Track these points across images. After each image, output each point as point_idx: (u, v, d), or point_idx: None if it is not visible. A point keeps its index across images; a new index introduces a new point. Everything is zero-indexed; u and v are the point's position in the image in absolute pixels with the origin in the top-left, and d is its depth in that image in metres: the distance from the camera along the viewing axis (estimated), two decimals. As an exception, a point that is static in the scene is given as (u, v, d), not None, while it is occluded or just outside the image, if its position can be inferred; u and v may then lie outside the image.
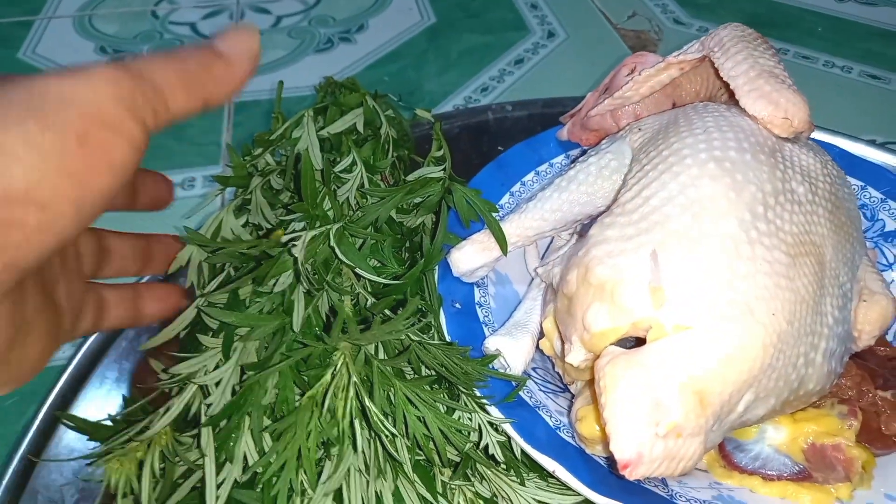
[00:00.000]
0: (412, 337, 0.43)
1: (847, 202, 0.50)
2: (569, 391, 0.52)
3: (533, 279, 0.58)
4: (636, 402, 0.36)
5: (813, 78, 0.98)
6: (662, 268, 0.40)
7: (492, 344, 0.50)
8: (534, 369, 0.54)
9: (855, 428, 0.46)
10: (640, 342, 0.41)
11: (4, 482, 0.48)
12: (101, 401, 0.54)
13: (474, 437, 0.44)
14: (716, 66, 0.50)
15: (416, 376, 0.45)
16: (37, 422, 0.51)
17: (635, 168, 0.48)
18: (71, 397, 0.53)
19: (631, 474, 0.36)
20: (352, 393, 0.42)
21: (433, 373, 0.45)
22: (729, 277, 0.39)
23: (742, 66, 0.48)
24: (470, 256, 0.54)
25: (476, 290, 0.57)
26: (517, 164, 0.67)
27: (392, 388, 0.43)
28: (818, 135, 0.71)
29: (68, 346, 0.60)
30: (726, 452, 0.49)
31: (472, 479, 0.47)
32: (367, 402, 0.41)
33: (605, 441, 0.43)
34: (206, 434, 0.42)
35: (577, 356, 0.42)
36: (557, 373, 0.53)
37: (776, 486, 0.47)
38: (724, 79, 0.49)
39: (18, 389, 0.36)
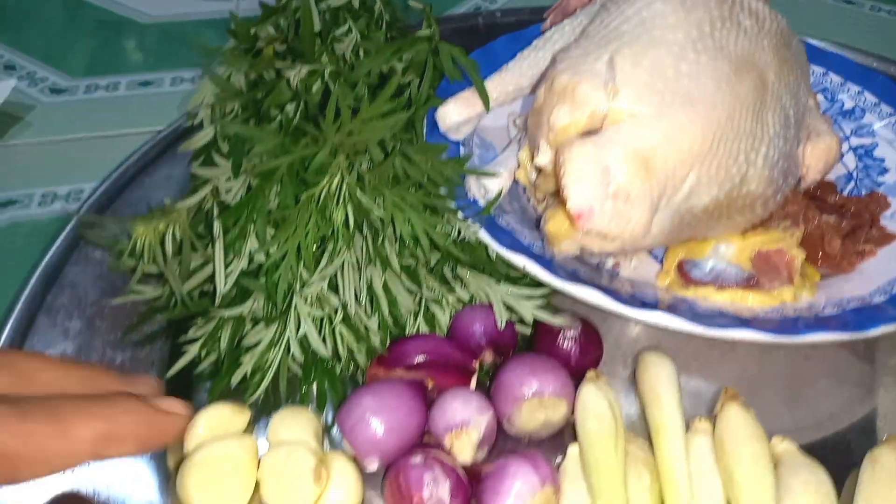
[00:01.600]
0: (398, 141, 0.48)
1: (795, 49, 0.56)
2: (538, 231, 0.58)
3: (511, 142, 0.63)
4: (588, 167, 0.41)
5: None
6: (617, 69, 0.45)
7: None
8: (508, 213, 0.59)
9: (797, 236, 0.51)
10: (598, 140, 0.46)
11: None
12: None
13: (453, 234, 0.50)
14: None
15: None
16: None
17: (600, 13, 0.53)
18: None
19: (584, 225, 0.42)
20: (345, 190, 0.48)
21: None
22: (675, 75, 0.44)
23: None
24: (455, 111, 0.59)
25: (461, 149, 0.62)
26: (502, 52, 0.73)
27: (381, 196, 0.49)
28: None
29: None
30: (683, 271, 0.54)
31: (454, 283, 0.52)
32: (359, 194, 0.47)
33: (571, 236, 0.48)
34: (217, 225, 0.48)
35: (544, 157, 0.47)
36: (530, 215, 0.59)
37: (727, 293, 0.52)
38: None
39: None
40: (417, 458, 0.42)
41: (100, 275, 0.55)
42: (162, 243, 0.47)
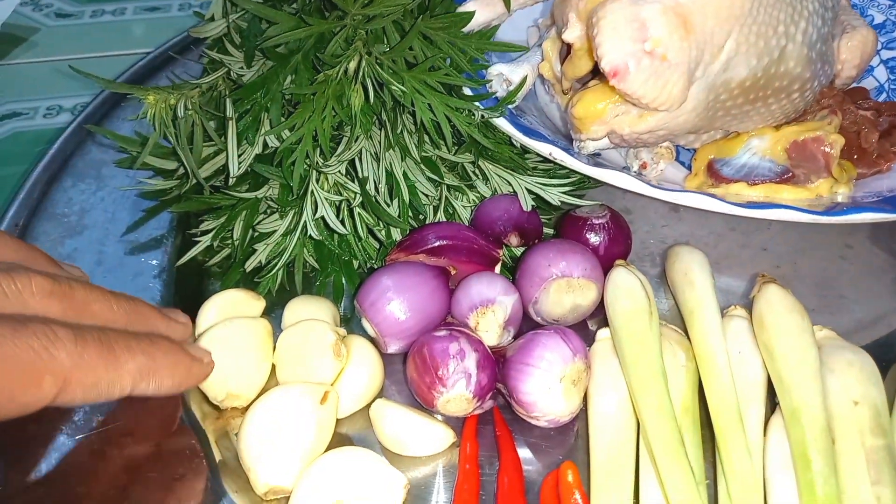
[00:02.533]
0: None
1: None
2: (560, 134, 0.56)
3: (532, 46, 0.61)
4: (624, 22, 0.39)
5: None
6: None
7: (494, 69, 0.53)
8: (529, 115, 0.57)
9: (836, 124, 0.49)
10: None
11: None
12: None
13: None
14: None
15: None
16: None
17: None
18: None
19: (619, 84, 0.39)
20: (364, 70, 0.46)
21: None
22: (712, -60, 0.42)
23: None
24: (477, 12, 0.57)
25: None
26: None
27: (400, 80, 0.47)
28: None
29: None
30: (714, 169, 0.52)
31: (475, 178, 0.50)
32: (379, 70, 0.45)
33: (601, 116, 0.46)
34: (229, 104, 0.46)
35: (573, 31, 0.45)
36: (551, 117, 0.57)
37: (760, 188, 0.50)
38: None
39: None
40: (442, 332, 0.40)
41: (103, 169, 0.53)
42: (174, 120, 0.45)
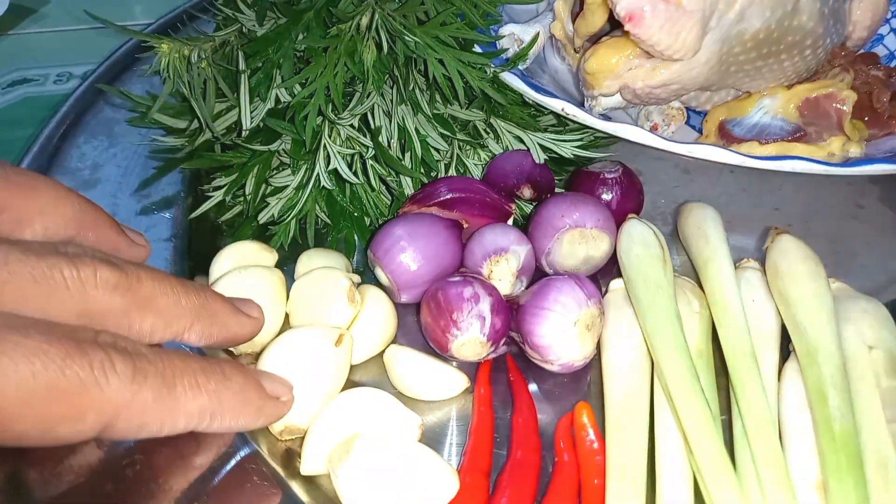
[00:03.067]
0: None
1: None
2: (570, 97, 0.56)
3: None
4: (638, -32, 0.39)
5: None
6: None
7: (506, 29, 0.53)
8: (541, 76, 0.57)
9: (848, 81, 0.49)
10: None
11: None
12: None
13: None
14: None
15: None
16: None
17: None
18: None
19: (634, 28, 0.39)
20: (376, 22, 0.46)
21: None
22: None
23: None
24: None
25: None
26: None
27: (412, 35, 0.47)
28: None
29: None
30: (725, 130, 0.52)
31: (486, 136, 0.50)
32: (391, 23, 0.45)
33: (614, 70, 0.46)
34: (241, 58, 0.46)
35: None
36: (561, 80, 0.57)
37: (772, 146, 0.50)
38: None
39: None
40: (457, 277, 0.40)
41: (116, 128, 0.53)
42: (188, 70, 0.45)
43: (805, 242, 0.42)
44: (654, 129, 0.53)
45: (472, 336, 0.38)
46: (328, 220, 0.49)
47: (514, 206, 0.47)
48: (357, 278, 0.42)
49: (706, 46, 0.43)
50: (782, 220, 0.51)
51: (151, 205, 0.50)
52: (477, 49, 0.49)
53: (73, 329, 0.29)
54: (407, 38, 0.45)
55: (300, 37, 0.48)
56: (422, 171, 0.48)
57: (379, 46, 0.47)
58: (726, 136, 0.52)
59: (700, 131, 0.55)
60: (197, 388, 0.31)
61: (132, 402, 0.28)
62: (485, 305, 0.38)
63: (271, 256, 0.45)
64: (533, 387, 0.40)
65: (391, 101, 0.48)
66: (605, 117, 0.53)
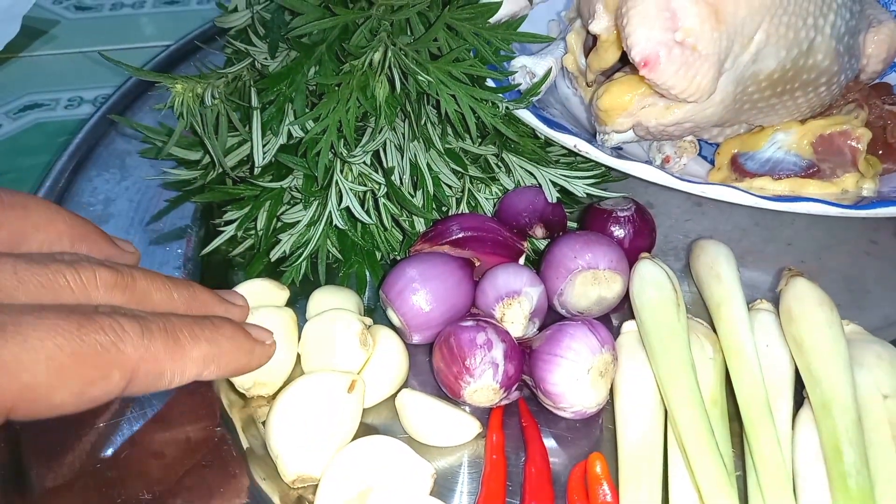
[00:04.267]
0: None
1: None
2: (582, 127, 0.55)
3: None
4: (654, 10, 0.39)
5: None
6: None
7: (518, 61, 0.53)
8: (552, 107, 0.57)
9: (862, 118, 0.49)
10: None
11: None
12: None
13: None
14: None
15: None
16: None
17: None
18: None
19: (650, 73, 0.39)
20: (389, 59, 0.46)
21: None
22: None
23: None
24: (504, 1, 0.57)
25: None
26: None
27: (426, 71, 0.47)
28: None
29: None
30: (738, 163, 0.52)
31: (497, 170, 0.50)
32: (404, 59, 0.45)
33: (627, 108, 0.46)
34: (254, 94, 0.46)
35: (600, 22, 0.45)
36: (573, 111, 0.57)
37: (785, 182, 0.50)
38: None
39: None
40: (469, 322, 0.40)
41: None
42: (201, 109, 0.45)
43: (819, 284, 0.42)
44: (665, 162, 0.53)
45: (484, 383, 0.38)
46: (339, 256, 0.49)
47: (526, 244, 0.46)
48: (369, 321, 0.42)
49: (721, 87, 0.43)
50: (795, 256, 0.51)
51: (163, 237, 0.50)
52: (489, 83, 0.49)
53: (74, 306, 0.32)
54: (420, 76, 0.45)
55: (312, 71, 0.48)
56: (433, 206, 0.48)
57: (391, 82, 0.47)
58: (738, 170, 0.52)
59: (712, 163, 0.55)
60: (196, 337, 0.34)
61: (146, 355, 0.32)
62: (498, 352, 0.38)
63: (283, 294, 0.45)
64: (545, 430, 0.40)
65: (403, 135, 0.48)
66: (618, 150, 0.52)
